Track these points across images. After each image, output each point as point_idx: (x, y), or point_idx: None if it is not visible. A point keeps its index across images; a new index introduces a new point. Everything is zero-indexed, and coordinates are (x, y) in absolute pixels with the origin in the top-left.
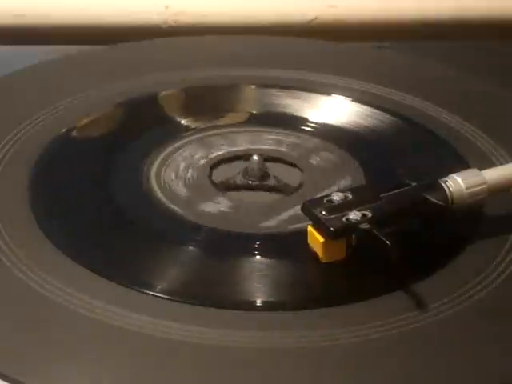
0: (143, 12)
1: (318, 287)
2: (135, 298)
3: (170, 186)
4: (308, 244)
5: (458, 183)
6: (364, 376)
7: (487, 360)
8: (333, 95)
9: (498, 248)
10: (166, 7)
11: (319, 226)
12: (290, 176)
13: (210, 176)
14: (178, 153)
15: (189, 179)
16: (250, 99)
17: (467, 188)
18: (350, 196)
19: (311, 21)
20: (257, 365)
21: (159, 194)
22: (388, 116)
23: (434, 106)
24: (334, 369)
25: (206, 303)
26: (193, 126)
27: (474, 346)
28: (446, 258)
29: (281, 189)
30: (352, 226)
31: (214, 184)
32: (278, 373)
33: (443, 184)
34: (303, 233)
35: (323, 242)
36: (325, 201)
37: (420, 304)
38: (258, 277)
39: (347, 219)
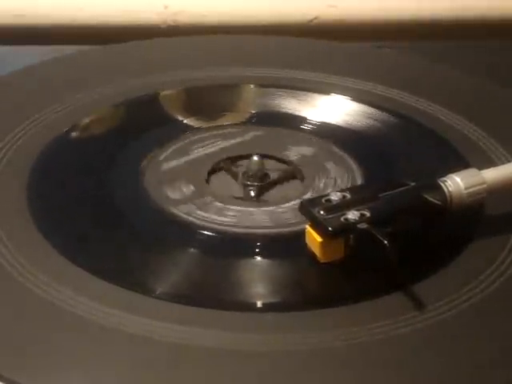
0: (142, 12)
1: (317, 288)
2: (135, 300)
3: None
4: (306, 244)
5: (457, 183)
6: (364, 377)
7: (488, 360)
8: (332, 95)
9: (498, 248)
10: (166, 7)
11: (317, 225)
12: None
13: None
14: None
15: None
16: (250, 99)
17: (466, 188)
18: (349, 195)
19: (311, 21)
20: (256, 366)
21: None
22: (388, 115)
23: (433, 105)
24: (334, 370)
25: (204, 305)
26: (192, 126)
27: (475, 347)
28: (447, 258)
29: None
30: (350, 226)
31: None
32: (277, 374)
33: (442, 184)
34: (302, 233)
35: (321, 242)
36: (323, 200)
37: (420, 305)
38: (256, 278)
39: (345, 219)
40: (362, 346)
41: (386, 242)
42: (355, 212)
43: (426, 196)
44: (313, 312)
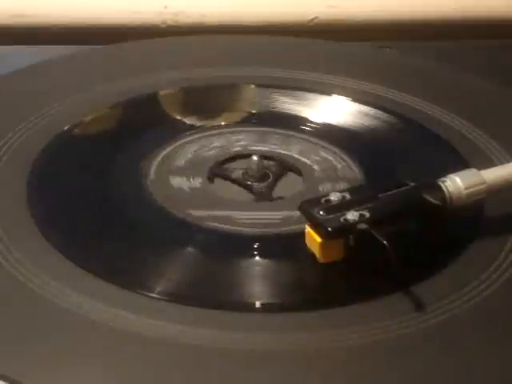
0: (142, 12)
1: (317, 288)
2: (135, 300)
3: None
4: (306, 244)
5: (456, 183)
6: (364, 377)
7: (488, 361)
8: (333, 95)
9: (498, 248)
10: (166, 7)
11: (317, 226)
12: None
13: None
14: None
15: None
16: (250, 99)
17: (466, 188)
18: (348, 196)
19: (311, 21)
20: (255, 366)
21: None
22: (388, 116)
23: (433, 105)
24: (334, 370)
25: (204, 305)
26: (192, 126)
27: (475, 348)
28: (447, 258)
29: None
30: (349, 227)
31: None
32: (277, 374)
33: (442, 184)
34: (302, 233)
35: (321, 243)
36: (323, 201)
37: (420, 305)
38: (255, 278)
39: (345, 219)
40: (362, 346)
41: (385, 242)
42: (355, 212)
43: (426, 196)
44: (312, 312)
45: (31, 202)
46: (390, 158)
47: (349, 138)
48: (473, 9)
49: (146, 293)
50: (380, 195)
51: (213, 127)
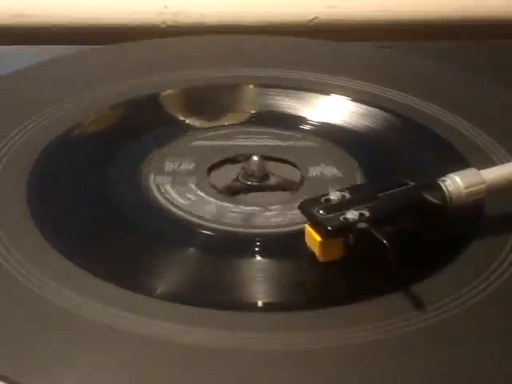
0: (142, 12)
1: (317, 288)
2: (135, 300)
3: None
4: (306, 244)
5: (456, 183)
6: (364, 376)
7: (487, 361)
8: (332, 95)
9: (498, 248)
10: (165, 7)
11: (317, 225)
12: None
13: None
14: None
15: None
16: (250, 99)
17: (466, 187)
18: (348, 195)
19: (311, 21)
20: (256, 366)
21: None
22: (387, 115)
23: (433, 105)
24: (333, 369)
25: (204, 304)
26: (192, 126)
27: (475, 347)
28: (447, 258)
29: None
30: (349, 226)
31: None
32: (277, 374)
33: (441, 183)
34: (302, 233)
35: (321, 242)
36: (322, 200)
37: (420, 304)
38: (255, 278)
39: (345, 218)
40: (362, 345)
41: (385, 241)
42: (354, 212)
43: (426, 196)
44: (312, 312)
45: (31, 202)
46: (390, 158)
47: (349, 137)
48: (473, 9)
49: (146, 293)
50: (380, 194)
51: (212, 128)
